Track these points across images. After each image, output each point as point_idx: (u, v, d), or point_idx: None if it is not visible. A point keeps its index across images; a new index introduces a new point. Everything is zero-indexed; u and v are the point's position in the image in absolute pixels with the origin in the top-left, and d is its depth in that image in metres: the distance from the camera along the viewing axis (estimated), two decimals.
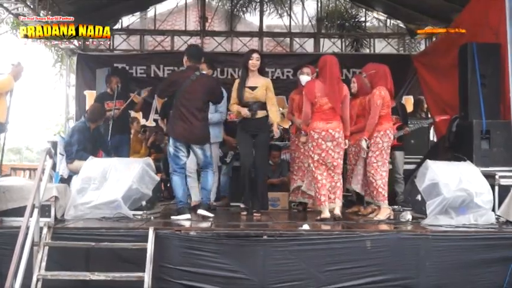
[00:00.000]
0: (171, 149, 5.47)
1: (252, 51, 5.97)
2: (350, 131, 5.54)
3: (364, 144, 5.43)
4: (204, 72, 5.93)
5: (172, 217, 5.31)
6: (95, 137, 6.53)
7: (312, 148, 5.39)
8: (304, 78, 5.97)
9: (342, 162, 5.50)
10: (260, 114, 5.66)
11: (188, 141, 5.44)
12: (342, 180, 5.52)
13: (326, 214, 5.28)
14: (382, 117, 5.43)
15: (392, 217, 5.42)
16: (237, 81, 5.86)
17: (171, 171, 5.55)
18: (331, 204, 5.37)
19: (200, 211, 5.42)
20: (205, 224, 5.05)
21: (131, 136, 8.29)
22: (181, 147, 5.42)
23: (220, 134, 6.51)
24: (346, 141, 5.48)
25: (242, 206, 5.92)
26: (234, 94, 5.81)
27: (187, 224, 5.05)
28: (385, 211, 5.44)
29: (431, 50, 9.21)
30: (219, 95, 5.76)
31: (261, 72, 5.75)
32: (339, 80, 5.49)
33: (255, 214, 5.53)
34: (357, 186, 5.83)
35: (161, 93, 5.79)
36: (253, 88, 5.67)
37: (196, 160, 5.71)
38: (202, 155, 5.52)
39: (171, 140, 5.49)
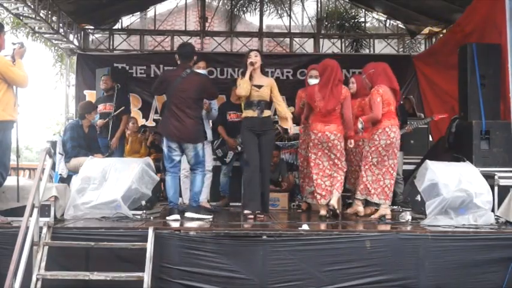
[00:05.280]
0: (164, 149, 5.45)
1: (250, 50, 5.94)
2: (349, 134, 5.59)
3: (359, 125, 5.53)
4: (200, 70, 5.93)
5: (166, 217, 5.27)
6: (90, 137, 6.53)
7: (309, 148, 5.67)
8: (312, 82, 6.03)
9: (343, 159, 5.57)
10: (266, 113, 5.59)
11: (180, 140, 5.36)
12: (343, 176, 5.60)
13: (322, 212, 5.52)
14: (382, 115, 5.45)
15: (389, 217, 5.43)
16: (239, 79, 5.65)
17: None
18: (326, 200, 5.50)
19: (187, 214, 5.30)
20: (204, 224, 5.04)
21: (129, 137, 8.29)
22: (174, 146, 5.37)
23: (210, 132, 6.46)
24: (352, 140, 5.62)
25: (247, 211, 5.53)
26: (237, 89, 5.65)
27: (176, 224, 4.98)
28: (381, 211, 5.49)
29: (437, 49, 9.06)
30: (213, 92, 5.71)
31: (262, 71, 5.74)
32: (338, 83, 5.54)
33: (258, 216, 5.38)
34: (362, 194, 5.65)
35: (154, 91, 5.86)
36: (259, 86, 5.57)
37: (187, 159, 5.52)
38: (194, 153, 5.38)
39: (164, 140, 5.44)
